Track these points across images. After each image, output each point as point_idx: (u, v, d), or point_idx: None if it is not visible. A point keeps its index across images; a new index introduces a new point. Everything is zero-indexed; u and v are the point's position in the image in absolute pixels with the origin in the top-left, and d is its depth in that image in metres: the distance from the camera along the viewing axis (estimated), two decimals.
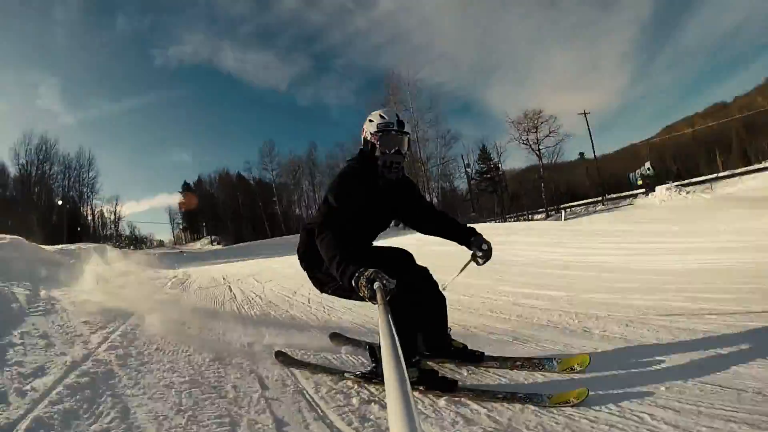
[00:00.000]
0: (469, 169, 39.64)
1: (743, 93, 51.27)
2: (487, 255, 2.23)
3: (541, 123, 36.23)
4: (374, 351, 2.19)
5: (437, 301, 2.24)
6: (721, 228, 6.90)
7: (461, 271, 2.38)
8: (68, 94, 65.24)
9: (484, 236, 2.27)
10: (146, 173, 68.97)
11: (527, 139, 36.82)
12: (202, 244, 42.86)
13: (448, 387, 1.92)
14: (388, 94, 36.67)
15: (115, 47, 62.49)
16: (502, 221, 29.35)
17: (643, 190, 28.10)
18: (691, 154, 55.81)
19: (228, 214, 42.87)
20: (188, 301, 6.55)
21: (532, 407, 1.70)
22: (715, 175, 34.21)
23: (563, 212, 27.72)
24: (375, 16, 74.76)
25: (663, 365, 2.00)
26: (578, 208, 32.64)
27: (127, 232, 46.04)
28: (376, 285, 1.59)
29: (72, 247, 14.57)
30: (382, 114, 2.15)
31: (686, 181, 32.94)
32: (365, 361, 2.43)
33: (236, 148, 74.66)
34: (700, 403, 1.57)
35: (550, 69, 62.85)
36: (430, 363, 2.18)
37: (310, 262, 2.21)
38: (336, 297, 2.25)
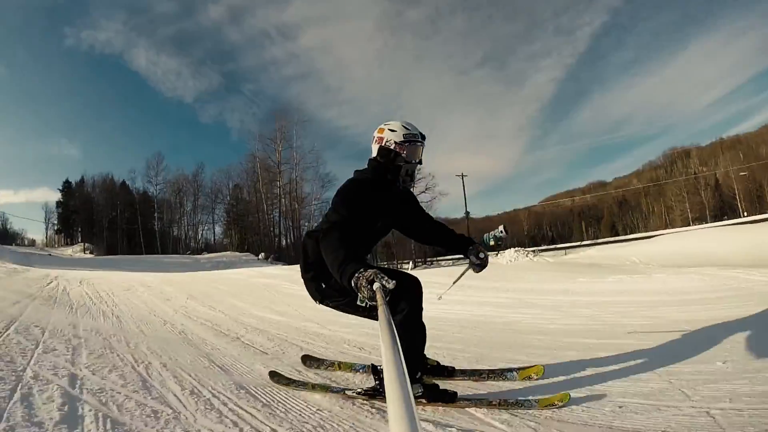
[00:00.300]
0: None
1: (622, 175, 64.58)
2: (484, 263, 2.38)
3: (419, 179, 39.48)
4: (377, 368, 2.22)
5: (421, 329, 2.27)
6: (510, 286, 7.67)
7: (458, 279, 2.63)
8: None
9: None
10: (29, 161, 63.07)
11: None
12: (74, 251, 39.92)
13: (450, 398, 2.04)
14: (275, 130, 39.83)
15: (30, 13, 58.51)
16: None
17: (495, 251, 32.24)
18: (568, 222, 66.55)
19: (105, 223, 41.10)
20: (9, 282, 8.61)
21: (524, 411, 1.92)
22: (578, 243, 40.46)
23: (411, 263, 31.54)
24: (294, 48, 78.72)
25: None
26: (446, 261, 35.76)
27: None
28: (375, 285, 1.58)
29: None
30: (404, 125, 2.20)
31: (552, 247, 38.52)
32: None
33: (127, 153, 71.05)
34: None
35: (451, 130, 70.89)
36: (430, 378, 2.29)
37: (318, 272, 2.17)
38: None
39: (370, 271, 1.63)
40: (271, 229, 37.53)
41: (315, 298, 2.26)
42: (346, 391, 2.23)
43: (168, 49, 68.74)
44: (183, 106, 66.72)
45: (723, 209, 48.62)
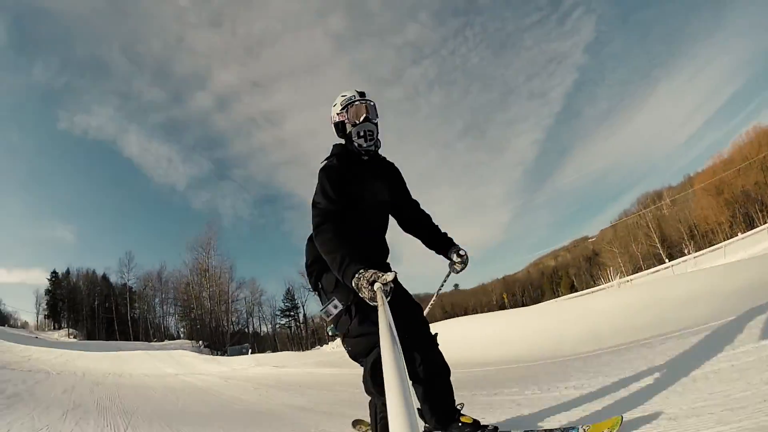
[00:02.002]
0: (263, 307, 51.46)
1: (604, 227, 63.61)
2: (465, 261, 2.32)
3: None
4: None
5: (442, 370, 2.09)
6: None
7: (441, 286, 2.56)
8: None
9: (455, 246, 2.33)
10: (23, 242, 64.70)
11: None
12: (60, 335, 45.08)
13: None
14: (203, 235, 48.62)
15: (24, 93, 61.94)
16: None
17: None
18: (540, 285, 68.65)
19: (87, 312, 48.00)
20: None
21: None
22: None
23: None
24: (280, 134, 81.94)
25: None
26: None
27: None
28: (376, 286, 1.62)
29: None
30: (342, 93, 2.21)
31: None
32: None
33: (123, 237, 74.89)
34: None
35: (441, 203, 71.20)
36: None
37: (317, 276, 2.12)
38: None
39: (371, 271, 1.66)
40: (210, 321, 46.55)
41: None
42: None
43: (159, 135, 74.11)
44: (175, 193, 71.08)
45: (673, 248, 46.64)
